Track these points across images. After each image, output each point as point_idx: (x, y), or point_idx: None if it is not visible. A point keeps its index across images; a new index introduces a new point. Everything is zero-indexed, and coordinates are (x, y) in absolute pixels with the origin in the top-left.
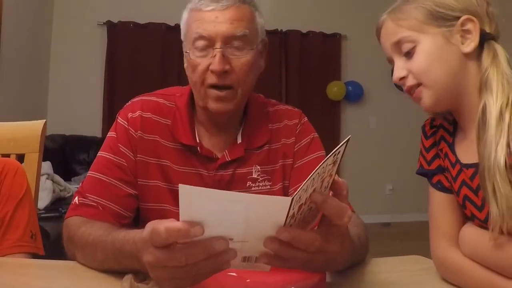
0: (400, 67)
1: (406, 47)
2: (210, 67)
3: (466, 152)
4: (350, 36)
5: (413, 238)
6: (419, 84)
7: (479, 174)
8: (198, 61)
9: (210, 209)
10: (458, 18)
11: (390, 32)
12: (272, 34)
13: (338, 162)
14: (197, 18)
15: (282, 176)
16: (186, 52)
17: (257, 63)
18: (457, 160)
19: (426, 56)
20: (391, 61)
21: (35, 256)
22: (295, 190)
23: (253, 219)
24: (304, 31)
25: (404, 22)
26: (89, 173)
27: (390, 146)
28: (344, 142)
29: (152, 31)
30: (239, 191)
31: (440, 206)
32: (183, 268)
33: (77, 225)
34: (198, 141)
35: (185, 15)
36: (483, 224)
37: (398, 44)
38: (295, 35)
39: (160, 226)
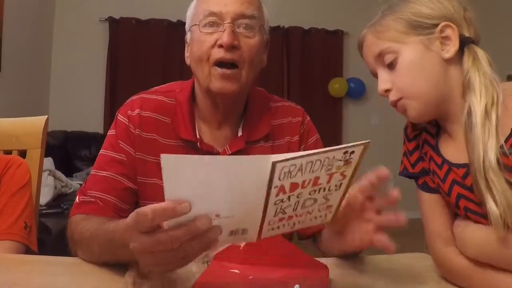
0: (384, 80)
1: (388, 58)
2: (219, 41)
3: (455, 153)
4: (352, 33)
5: (414, 235)
6: (401, 98)
7: (471, 176)
8: (206, 37)
9: (193, 181)
10: (437, 25)
11: (371, 45)
12: (274, 30)
13: (353, 165)
14: (206, 1)
15: None
16: (195, 25)
17: (261, 51)
18: (445, 160)
19: (409, 67)
20: (375, 75)
21: (28, 249)
22: None
23: (236, 186)
24: (306, 27)
25: (384, 34)
26: (91, 171)
27: (392, 143)
28: (360, 144)
29: (154, 27)
30: None
31: (430, 207)
32: (170, 252)
33: (76, 223)
34: (198, 136)
35: (192, 4)
36: (484, 220)
37: (380, 56)
38: (297, 31)
39: (146, 208)
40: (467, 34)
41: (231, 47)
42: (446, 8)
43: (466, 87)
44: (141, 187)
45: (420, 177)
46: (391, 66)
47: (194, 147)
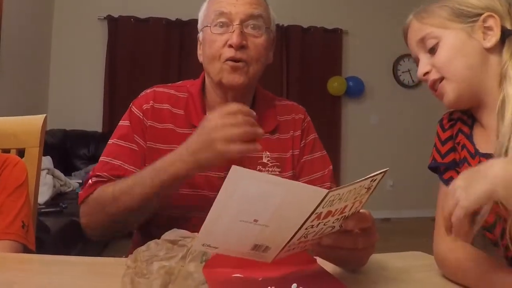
0: (425, 63)
1: (430, 43)
2: (229, 42)
3: (486, 143)
4: (351, 32)
5: (413, 234)
6: (442, 79)
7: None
8: (217, 37)
9: (251, 190)
10: (480, 15)
11: (415, 30)
12: None
13: (371, 191)
14: (218, 1)
15: (291, 165)
16: (207, 26)
17: (268, 49)
18: (476, 151)
19: (449, 50)
20: (417, 60)
21: (25, 247)
22: (307, 183)
23: (286, 205)
24: (305, 26)
25: (428, 20)
26: (101, 158)
27: (390, 142)
28: (382, 172)
29: (153, 25)
30: None
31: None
32: (234, 128)
33: (103, 190)
34: None
35: (204, 5)
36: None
37: (422, 41)
38: (297, 30)
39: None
40: (509, 27)
41: (240, 47)
42: (492, 0)
43: (503, 77)
44: None
45: (447, 171)
46: (432, 51)
47: None
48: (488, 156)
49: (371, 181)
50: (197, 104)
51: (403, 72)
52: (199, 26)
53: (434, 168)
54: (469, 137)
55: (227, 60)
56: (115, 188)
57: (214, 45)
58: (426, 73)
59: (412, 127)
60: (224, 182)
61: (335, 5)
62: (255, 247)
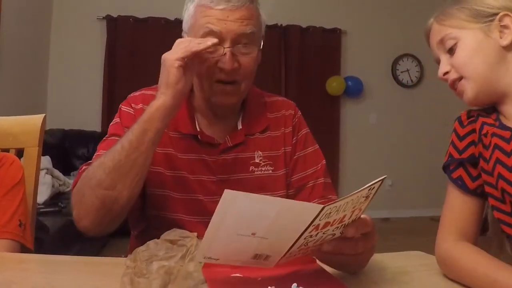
0: (444, 63)
1: (449, 44)
2: (220, 65)
3: None
4: (350, 31)
5: (412, 234)
6: (461, 78)
7: None
8: (206, 55)
9: (245, 210)
10: (496, 14)
11: (435, 32)
12: (272, 28)
13: (369, 199)
14: (207, 14)
15: (284, 162)
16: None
17: (259, 58)
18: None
19: (467, 50)
20: (438, 61)
21: (23, 246)
22: (301, 179)
23: (281, 220)
24: (304, 25)
25: (447, 22)
26: (96, 153)
27: (389, 141)
28: (379, 180)
29: (152, 25)
30: (243, 175)
31: (458, 204)
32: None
33: (87, 167)
34: (198, 129)
35: (191, 8)
36: None
37: (442, 42)
38: (295, 29)
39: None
40: None
41: (232, 70)
42: (508, 0)
43: None
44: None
45: (457, 169)
46: (451, 51)
47: (196, 139)
48: None
49: (369, 189)
50: (183, 109)
51: (401, 72)
52: (185, 28)
53: (445, 166)
54: (500, 125)
55: (218, 81)
56: (100, 158)
57: (204, 64)
58: (446, 73)
59: (411, 127)
60: (218, 206)
61: (334, 5)
62: (256, 256)
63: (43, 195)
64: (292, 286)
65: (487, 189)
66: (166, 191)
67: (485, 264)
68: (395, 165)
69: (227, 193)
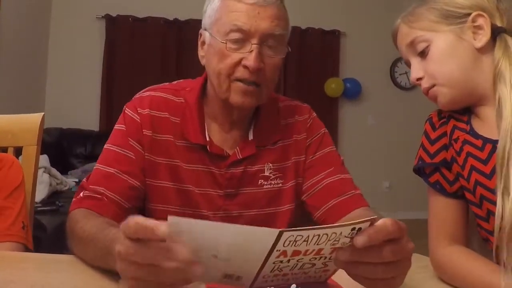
0: (416, 68)
1: (420, 46)
2: (244, 62)
3: (489, 133)
4: (349, 33)
5: (409, 236)
6: (434, 85)
7: (495, 162)
8: (230, 53)
9: (197, 236)
10: (469, 15)
11: (404, 34)
12: None
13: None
14: (236, 9)
15: (294, 173)
16: (213, 38)
17: (282, 64)
18: (487, 140)
19: (440, 55)
20: (408, 63)
21: (25, 247)
22: (311, 186)
23: (238, 245)
24: (303, 27)
25: (416, 23)
26: (96, 166)
27: (387, 143)
28: (367, 220)
29: (151, 25)
30: (250, 189)
31: (442, 208)
32: (145, 268)
33: (76, 220)
34: (208, 138)
35: (216, 1)
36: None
37: (412, 45)
38: (295, 31)
39: (132, 219)
40: (499, 24)
41: (257, 70)
42: None
43: (496, 77)
44: (149, 189)
45: (433, 174)
46: (423, 54)
47: (204, 149)
48: (495, 142)
49: (352, 229)
50: (194, 116)
51: (400, 74)
52: (206, 24)
53: (419, 170)
54: (471, 132)
55: (238, 80)
56: (82, 232)
57: (226, 61)
58: (419, 78)
59: (409, 129)
60: (167, 232)
61: (333, 7)
62: (226, 276)
63: (40, 194)
64: (291, 287)
65: (465, 193)
66: (169, 207)
67: (480, 268)
68: (392, 167)
69: (171, 220)
